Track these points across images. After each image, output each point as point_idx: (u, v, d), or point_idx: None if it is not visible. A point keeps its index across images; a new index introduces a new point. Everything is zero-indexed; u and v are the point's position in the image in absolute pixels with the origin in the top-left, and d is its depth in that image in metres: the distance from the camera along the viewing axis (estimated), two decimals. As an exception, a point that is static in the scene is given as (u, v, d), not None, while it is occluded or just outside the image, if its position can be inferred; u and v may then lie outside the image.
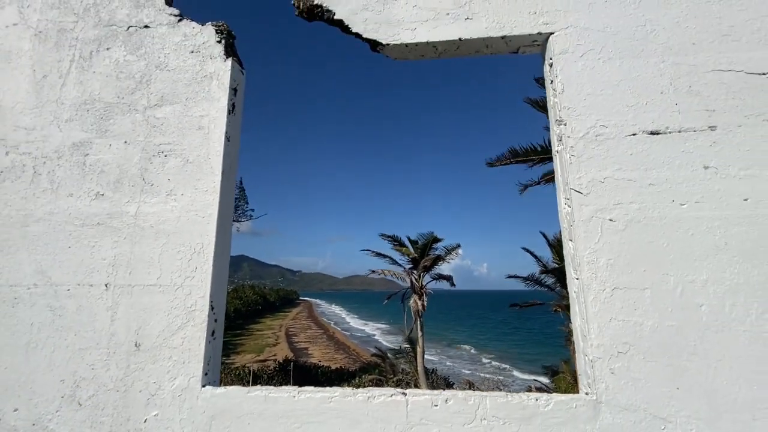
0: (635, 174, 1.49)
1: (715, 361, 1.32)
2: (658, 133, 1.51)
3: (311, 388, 1.50)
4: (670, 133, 1.50)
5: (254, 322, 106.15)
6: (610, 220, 1.48)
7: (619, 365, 1.36)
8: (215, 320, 1.64)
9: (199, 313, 1.58)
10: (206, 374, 1.55)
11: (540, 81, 10.23)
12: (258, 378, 22.26)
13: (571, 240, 1.53)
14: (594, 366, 1.37)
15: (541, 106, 10.69)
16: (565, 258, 1.59)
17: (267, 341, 72.21)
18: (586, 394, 1.39)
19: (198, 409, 1.48)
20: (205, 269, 1.62)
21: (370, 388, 1.49)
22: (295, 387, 1.52)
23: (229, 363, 44.44)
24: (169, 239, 1.66)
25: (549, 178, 11.15)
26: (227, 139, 1.77)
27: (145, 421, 1.50)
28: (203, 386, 1.51)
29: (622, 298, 1.41)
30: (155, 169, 1.74)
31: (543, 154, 10.69)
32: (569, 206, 1.54)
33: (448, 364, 44.85)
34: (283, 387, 1.53)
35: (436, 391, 1.41)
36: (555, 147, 1.65)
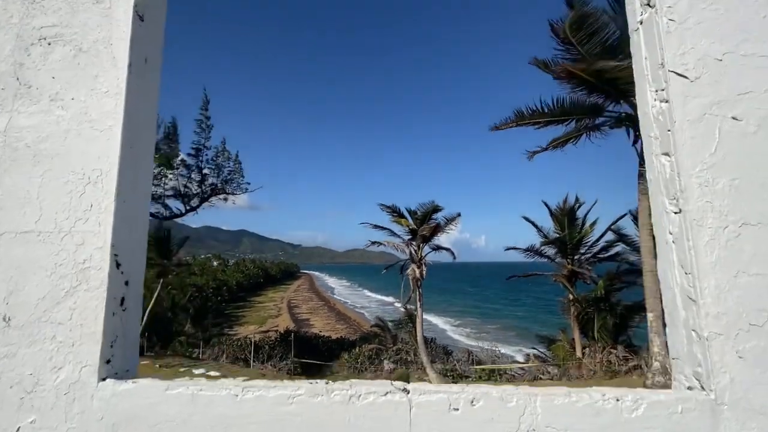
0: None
1: None
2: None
3: (263, 382, 0.99)
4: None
5: (256, 295, 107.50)
6: (734, 118, 0.92)
7: (752, 346, 0.84)
8: (125, 283, 1.11)
9: (96, 272, 1.04)
10: (108, 362, 1.04)
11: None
12: (259, 349, 22.28)
13: (666, 154, 0.98)
14: (710, 347, 0.85)
15: (547, 66, 9.88)
16: (652, 183, 1.04)
17: (269, 313, 73.21)
18: (698, 389, 0.88)
19: (93, 412, 0.98)
20: (104, 207, 1.07)
21: (354, 381, 0.98)
22: (241, 380, 1.01)
23: (231, 334, 45.11)
24: (53, 165, 1.11)
25: (557, 143, 10.49)
26: (139, 16, 1.18)
27: (17, 430, 1.00)
28: (102, 380, 1.00)
29: (757, 240, 0.88)
30: (34, 64, 1.16)
31: (551, 116, 9.98)
32: (664, 100, 0.98)
33: (447, 334, 45.50)
34: (224, 380, 1.02)
35: (456, 387, 0.90)
36: (638, 12, 1.07)
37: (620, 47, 9.38)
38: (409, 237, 14.84)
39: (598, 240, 15.82)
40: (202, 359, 21.64)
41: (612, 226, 15.34)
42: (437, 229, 14.30)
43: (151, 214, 21.86)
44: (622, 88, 8.80)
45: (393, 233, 15.19)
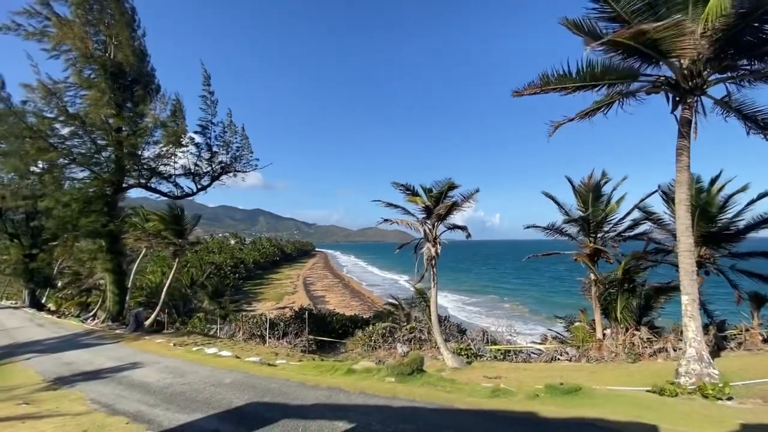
0: None
1: None
2: None
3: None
4: None
5: (273, 273, 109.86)
6: None
7: None
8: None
9: None
10: None
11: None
12: (275, 325, 22.52)
13: None
14: None
15: (579, 27, 8.91)
16: None
17: (286, 290, 74.73)
18: None
19: None
20: None
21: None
22: None
23: (249, 311, 46.19)
24: None
25: (586, 112, 9.61)
26: None
27: None
28: None
29: None
30: None
31: (580, 81, 9.08)
32: None
33: (461, 312, 45.46)
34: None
35: None
36: None
37: (660, 2, 8.37)
38: (424, 216, 14.29)
39: (624, 218, 14.96)
40: (218, 336, 22.00)
41: (640, 204, 14.43)
42: (453, 206, 13.66)
43: (163, 194, 21.87)
44: (663, 48, 7.86)
45: (407, 212, 14.64)
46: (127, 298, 22.47)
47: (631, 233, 15.03)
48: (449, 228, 14.60)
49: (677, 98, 8.68)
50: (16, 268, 31.47)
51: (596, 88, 8.97)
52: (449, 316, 23.51)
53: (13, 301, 40.58)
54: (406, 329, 19.65)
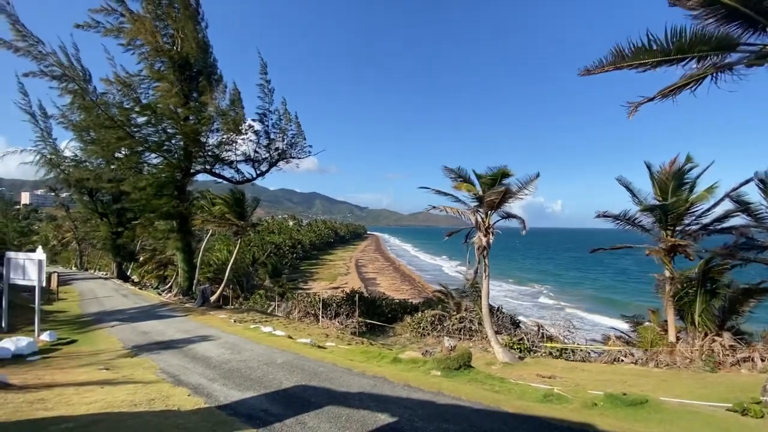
0: None
1: None
2: None
3: None
4: None
5: (327, 253, 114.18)
6: None
7: None
8: None
9: None
10: None
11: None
12: (328, 306, 23.34)
13: None
14: None
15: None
16: None
17: (339, 271, 77.41)
18: None
19: None
20: None
21: None
22: None
23: (306, 289, 48.49)
24: None
25: (670, 90, 8.37)
26: None
27: None
28: None
29: None
30: None
31: (663, 55, 7.88)
32: None
33: (513, 303, 43.89)
34: None
35: None
36: None
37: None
38: (476, 204, 13.67)
39: (711, 209, 13.14)
40: (275, 315, 23.30)
41: (732, 193, 12.56)
42: (507, 194, 12.86)
43: (226, 179, 23.25)
44: (771, 10, 6.54)
45: (457, 199, 14.08)
46: (196, 274, 24.49)
47: (719, 226, 13.21)
48: (503, 217, 13.86)
49: (789, 70, 7.24)
50: (105, 243, 35.74)
51: (683, 62, 7.74)
52: (501, 306, 22.69)
53: (104, 272, 46.28)
54: (456, 318, 19.32)
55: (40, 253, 11.73)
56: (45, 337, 11.59)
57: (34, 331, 11.77)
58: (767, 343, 11.50)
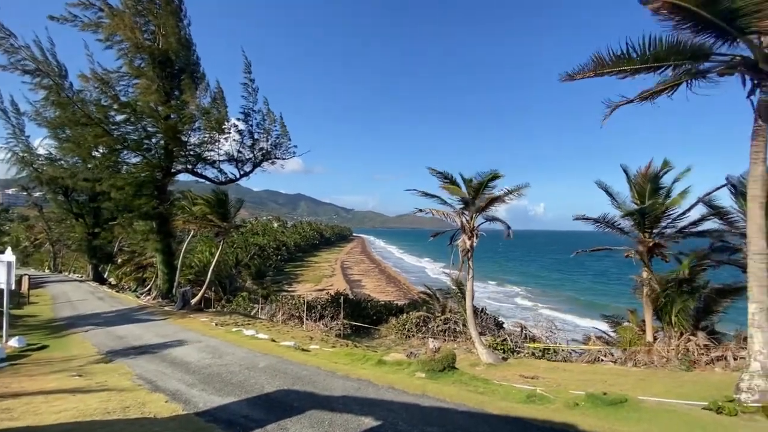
0: None
1: None
2: None
3: None
4: None
5: (312, 255, 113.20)
6: None
7: None
8: None
9: None
10: None
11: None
12: (312, 308, 23.09)
13: None
14: None
15: None
16: None
17: (324, 273, 76.83)
18: None
19: None
20: None
21: None
22: None
23: (290, 291, 47.92)
24: None
25: (648, 94, 8.61)
26: None
27: None
28: None
29: None
30: None
31: (640, 63, 8.11)
32: None
33: (497, 304, 44.38)
34: None
35: None
36: None
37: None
38: (462, 206, 13.76)
39: (685, 212, 13.58)
40: (258, 317, 22.92)
41: (705, 198, 13.01)
42: (495, 200, 13.02)
43: (209, 179, 22.80)
44: (741, 23, 6.80)
45: (443, 201, 14.15)
46: (177, 276, 23.89)
47: (694, 230, 13.65)
48: (488, 220, 14.00)
49: (755, 81, 7.54)
50: (81, 244, 34.56)
51: (659, 70, 7.99)
52: (485, 308, 22.89)
53: (80, 275, 44.75)
54: (441, 320, 19.39)
55: (9, 255, 11.24)
56: (13, 342, 11.09)
57: (1, 336, 11.25)
58: (739, 343, 11.91)
